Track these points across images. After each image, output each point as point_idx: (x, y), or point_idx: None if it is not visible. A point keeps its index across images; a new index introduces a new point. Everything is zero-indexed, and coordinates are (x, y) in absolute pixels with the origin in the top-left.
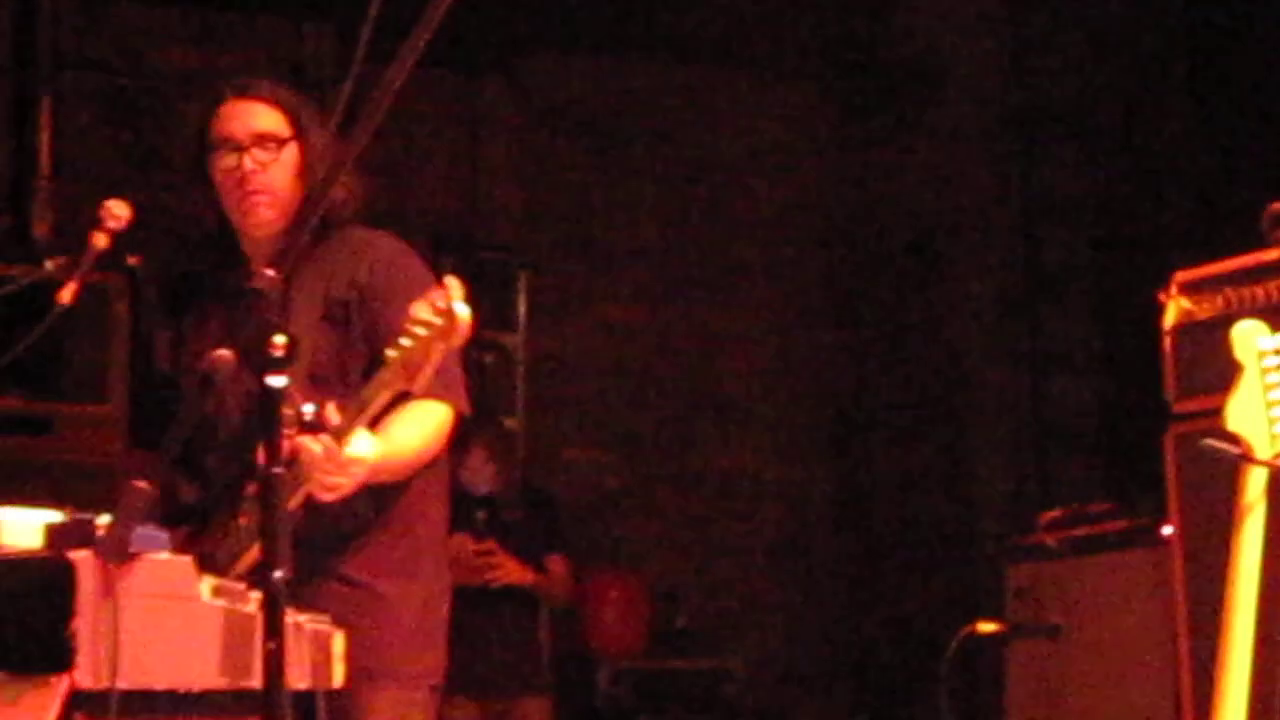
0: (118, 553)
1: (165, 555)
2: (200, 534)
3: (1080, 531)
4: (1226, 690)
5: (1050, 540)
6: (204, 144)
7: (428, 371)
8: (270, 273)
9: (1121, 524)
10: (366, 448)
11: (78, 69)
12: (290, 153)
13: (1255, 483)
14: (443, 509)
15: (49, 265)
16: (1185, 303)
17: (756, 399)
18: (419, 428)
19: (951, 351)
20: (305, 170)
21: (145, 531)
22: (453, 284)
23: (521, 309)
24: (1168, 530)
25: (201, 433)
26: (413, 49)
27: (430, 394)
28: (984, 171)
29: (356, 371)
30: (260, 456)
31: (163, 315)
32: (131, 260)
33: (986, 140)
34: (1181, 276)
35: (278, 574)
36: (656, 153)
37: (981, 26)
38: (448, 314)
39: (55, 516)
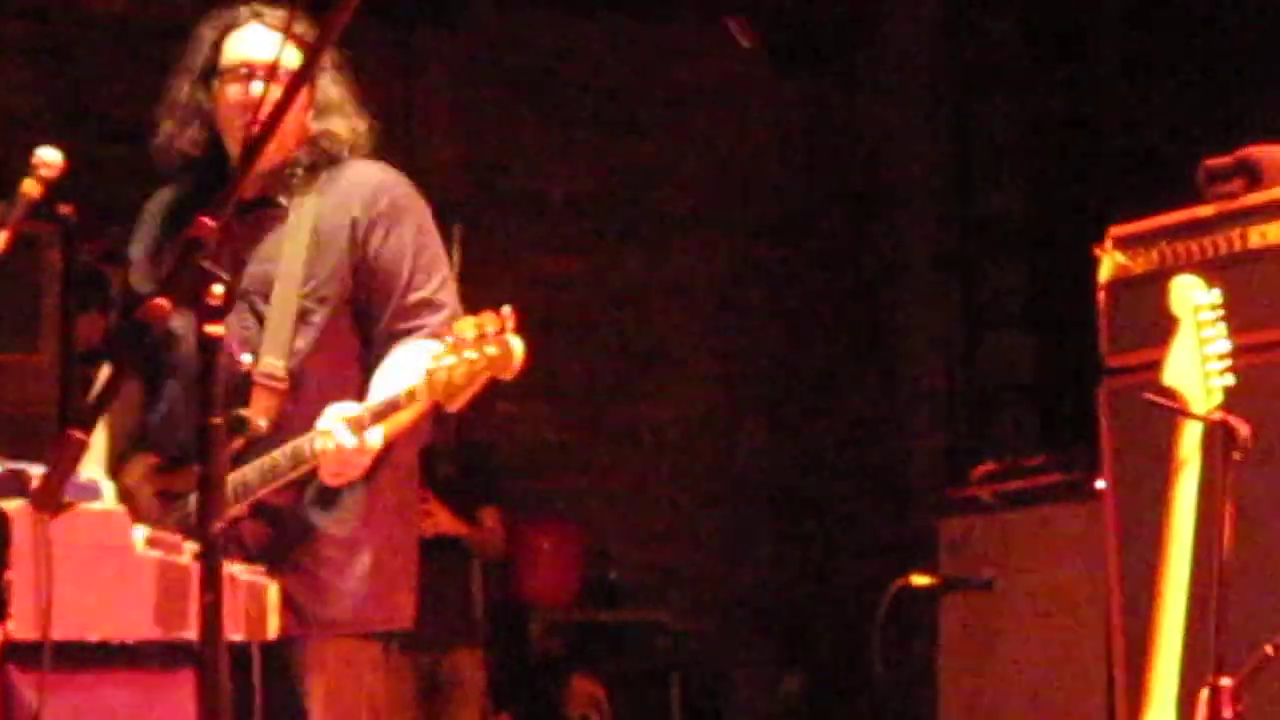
0: (52, 503)
1: (99, 506)
2: (170, 470)
3: (1014, 485)
4: (1160, 643)
5: (984, 493)
6: (212, 67)
7: (468, 396)
8: (208, 221)
9: (1055, 477)
10: (377, 439)
11: (9, 16)
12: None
13: (1190, 437)
14: (410, 455)
15: None
16: (1120, 257)
17: (691, 351)
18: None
19: (886, 304)
20: (312, 104)
21: (81, 482)
22: (508, 313)
23: (455, 260)
24: (1101, 484)
25: (167, 357)
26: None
27: (436, 335)
28: (920, 125)
29: (339, 298)
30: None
31: (148, 236)
32: (63, 209)
33: (923, 94)
34: (1117, 231)
35: (216, 526)
36: (593, 104)
37: None
38: (503, 347)
39: None
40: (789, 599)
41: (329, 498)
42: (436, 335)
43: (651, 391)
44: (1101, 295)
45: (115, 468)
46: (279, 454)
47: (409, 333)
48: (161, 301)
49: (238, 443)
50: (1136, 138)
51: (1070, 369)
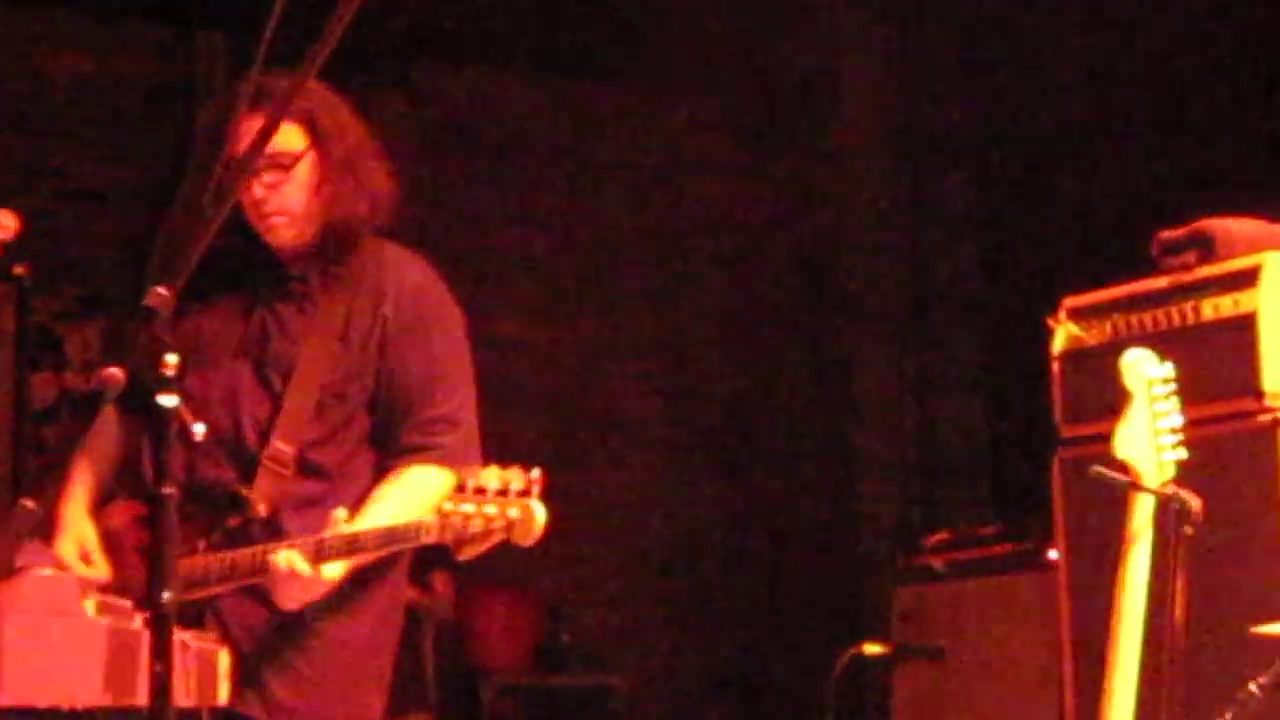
0: (2, 572)
1: (49, 572)
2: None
3: (966, 554)
4: (1111, 715)
5: (936, 562)
6: (219, 160)
7: (479, 549)
8: (163, 291)
9: (1007, 547)
10: (335, 573)
11: None
12: (305, 167)
13: (1142, 510)
14: (404, 563)
15: None
16: (1074, 328)
17: (645, 417)
18: (419, 511)
19: (840, 372)
20: (325, 179)
21: (30, 547)
22: (536, 476)
23: None
24: (1053, 554)
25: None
26: (313, 61)
27: (447, 459)
28: (874, 192)
29: (359, 398)
30: (150, 475)
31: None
32: (17, 269)
33: (877, 160)
34: (1070, 302)
35: (166, 595)
36: (549, 168)
37: (873, 47)
38: (526, 512)
39: None
40: (742, 665)
41: None
42: (447, 463)
43: (605, 456)
44: (1055, 366)
45: (97, 511)
46: (261, 551)
47: (423, 448)
48: (114, 371)
49: (234, 520)
50: (1090, 208)
51: (1022, 438)
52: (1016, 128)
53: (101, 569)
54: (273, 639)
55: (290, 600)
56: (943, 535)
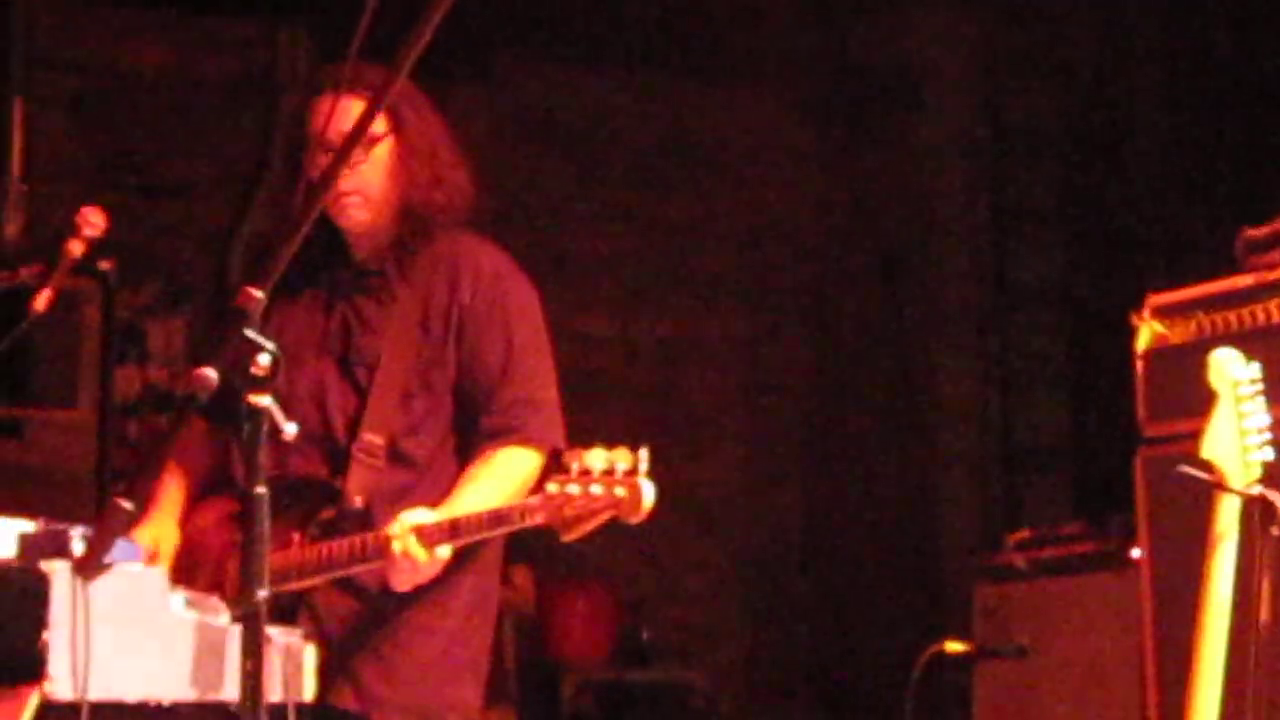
0: (95, 571)
1: (139, 567)
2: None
3: (1049, 552)
4: (1195, 715)
5: (1019, 560)
6: (299, 141)
7: (586, 529)
8: (255, 291)
9: (1090, 545)
10: (445, 554)
11: (50, 69)
12: (384, 150)
13: (1228, 510)
14: (495, 546)
15: (24, 273)
16: (1159, 326)
17: (726, 412)
18: (509, 494)
19: (921, 368)
20: (402, 164)
21: (120, 542)
22: (644, 455)
23: None
24: (1137, 553)
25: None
26: (408, 56)
27: (532, 441)
28: (957, 186)
29: (442, 385)
30: (241, 474)
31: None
32: (104, 265)
33: (960, 155)
34: (1155, 300)
35: (261, 593)
36: (627, 162)
37: (958, 39)
38: (633, 491)
39: (28, 526)
40: (822, 661)
41: None
42: (532, 444)
43: (684, 452)
44: (1139, 364)
45: (187, 512)
46: (367, 540)
47: (509, 431)
48: (207, 372)
49: (329, 513)
50: (1175, 205)
51: (1105, 435)
52: (1102, 122)
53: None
54: (365, 631)
55: (404, 581)
56: (1025, 533)
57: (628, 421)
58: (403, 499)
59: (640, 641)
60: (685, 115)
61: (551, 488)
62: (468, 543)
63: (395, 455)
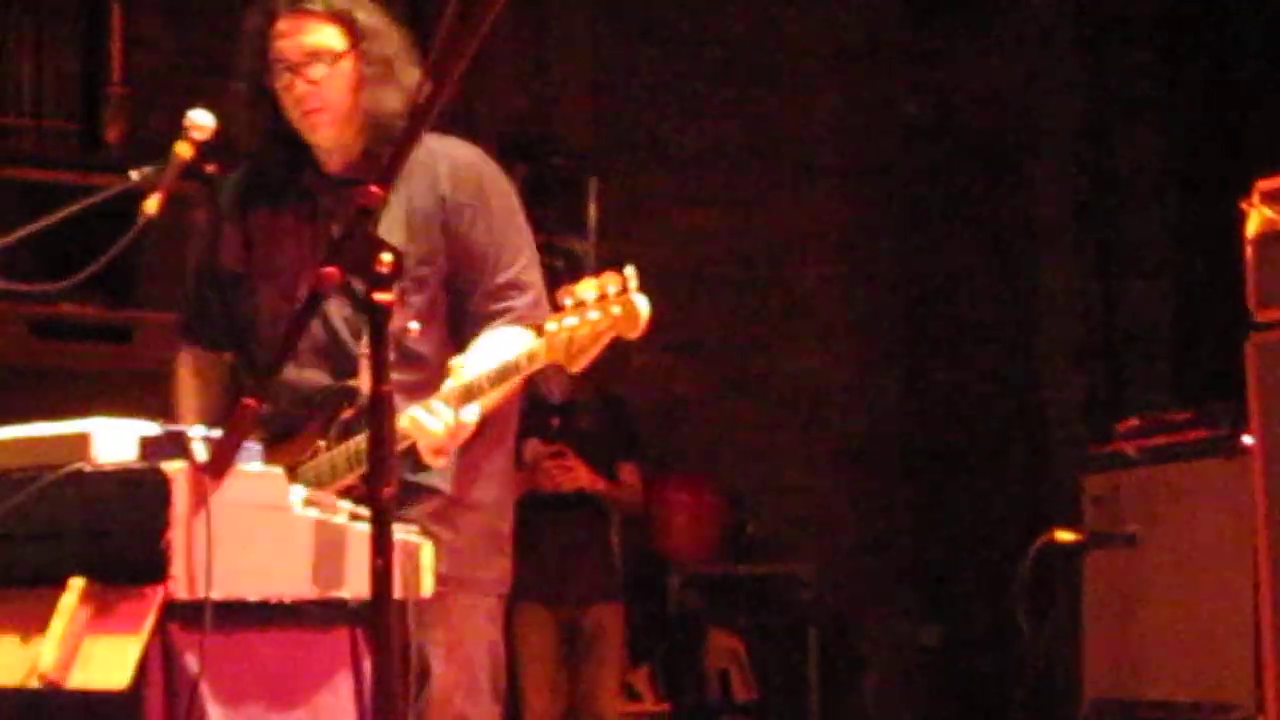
0: (224, 471)
1: (257, 466)
2: (278, 445)
3: (1158, 440)
4: None
5: (1128, 448)
6: (263, 60)
7: (591, 355)
8: (376, 190)
9: (1200, 433)
10: (474, 415)
11: None
12: (346, 64)
13: None
14: (511, 416)
15: (133, 175)
16: (1268, 212)
17: (826, 304)
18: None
19: (1023, 256)
20: (364, 78)
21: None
22: (630, 273)
23: (592, 215)
24: (1248, 440)
25: (271, 336)
26: None
27: (524, 319)
28: (1056, 76)
29: (435, 280)
30: (368, 376)
31: (232, 211)
32: (210, 168)
33: (1059, 45)
34: (1264, 185)
35: (386, 491)
36: (726, 57)
37: None
38: (628, 306)
39: (148, 428)
40: (927, 552)
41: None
42: (523, 323)
43: (786, 344)
44: (1249, 250)
45: None
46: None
47: (498, 314)
48: (332, 270)
49: (349, 412)
50: None
51: (1211, 321)
52: (1204, 6)
53: None
54: (408, 514)
55: (437, 451)
56: (1133, 421)
57: (730, 315)
58: (414, 396)
59: (745, 535)
60: (784, 7)
61: (550, 325)
62: (484, 401)
63: (402, 353)
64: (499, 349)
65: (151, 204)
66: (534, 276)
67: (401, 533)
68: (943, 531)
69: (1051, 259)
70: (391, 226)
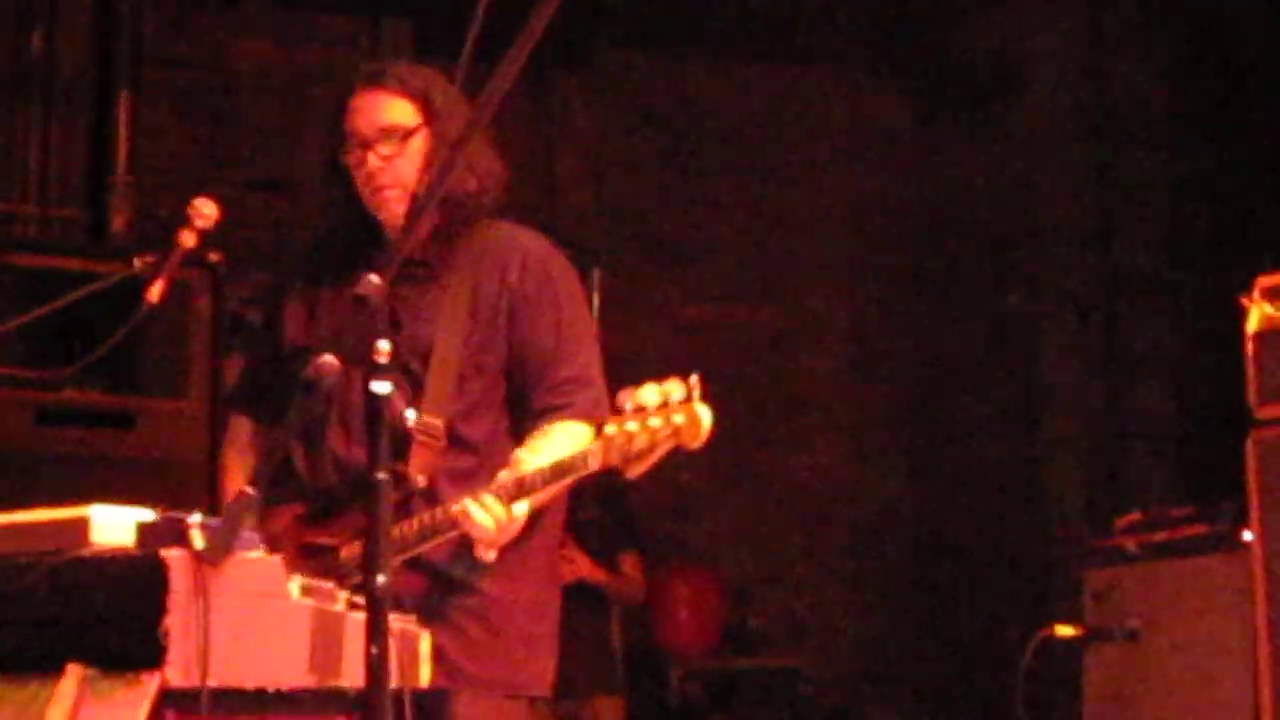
0: (222, 558)
1: (256, 554)
2: (318, 522)
3: (1159, 535)
4: None
5: (1129, 543)
6: (337, 137)
7: (649, 462)
8: (374, 279)
9: (1201, 528)
10: (523, 511)
11: (155, 64)
12: (418, 142)
13: None
14: (558, 515)
15: (136, 263)
16: (1269, 308)
17: (830, 399)
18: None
19: (1027, 352)
20: (437, 156)
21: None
22: (694, 381)
23: (595, 306)
24: (1248, 536)
25: (325, 410)
26: (522, 50)
27: (583, 415)
28: (1062, 173)
29: (494, 368)
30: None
31: (298, 283)
32: (213, 257)
33: (1064, 142)
34: (1265, 281)
35: (380, 579)
36: (730, 151)
37: (1060, 22)
38: (690, 416)
39: (146, 514)
40: (929, 647)
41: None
42: (585, 416)
43: (790, 438)
44: (1249, 346)
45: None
46: (435, 514)
47: (558, 409)
48: (331, 359)
49: (395, 496)
50: None
51: (1213, 418)
52: (1207, 103)
53: None
54: (443, 608)
55: (489, 544)
56: (1135, 516)
57: (733, 409)
58: (465, 482)
59: (748, 629)
60: (790, 102)
61: (610, 429)
62: (536, 498)
63: (454, 438)
64: (557, 446)
65: (154, 292)
66: (596, 374)
67: (399, 622)
68: (946, 627)
69: (1055, 354)
70: (455, 312)
